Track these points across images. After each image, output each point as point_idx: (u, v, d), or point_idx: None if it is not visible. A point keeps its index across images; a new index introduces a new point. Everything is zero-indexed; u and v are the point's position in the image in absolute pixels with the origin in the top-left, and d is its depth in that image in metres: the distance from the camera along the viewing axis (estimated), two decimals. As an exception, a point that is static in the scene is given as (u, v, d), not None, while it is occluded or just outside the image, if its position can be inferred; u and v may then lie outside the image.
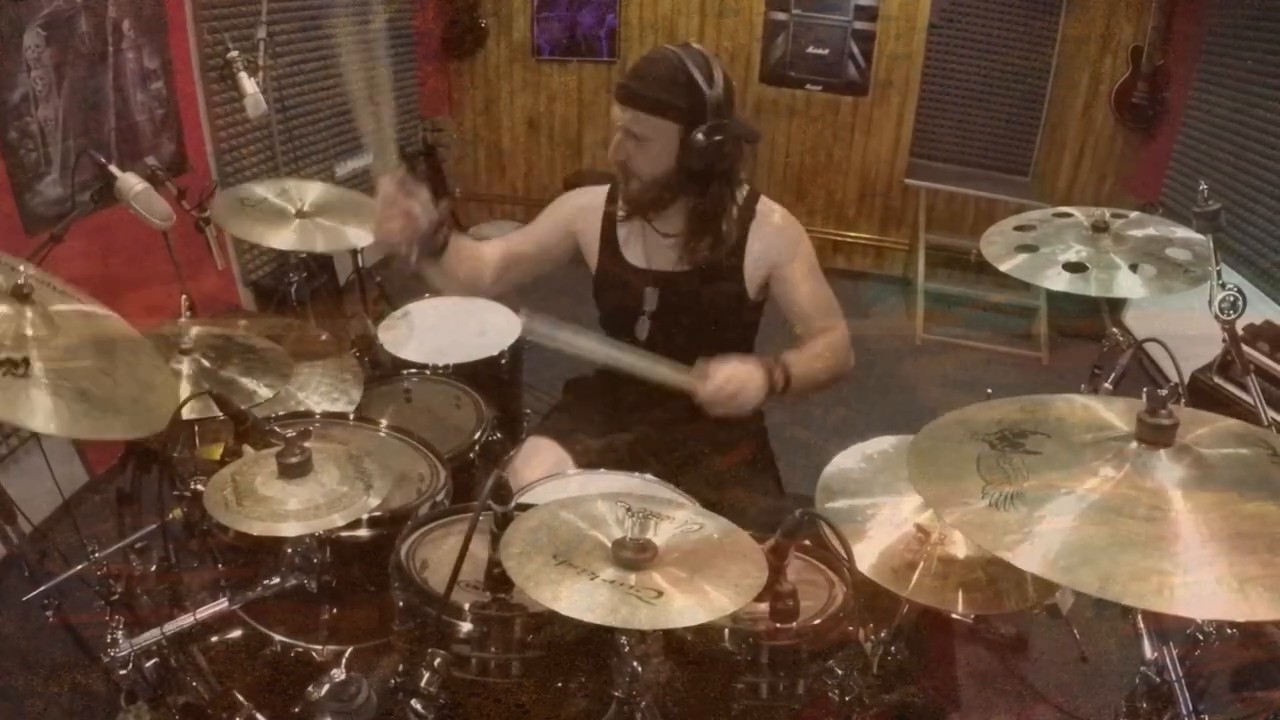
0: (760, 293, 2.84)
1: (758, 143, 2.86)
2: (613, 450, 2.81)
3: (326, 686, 1.69)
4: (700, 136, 2.57)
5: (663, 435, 2.84)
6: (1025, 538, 1.37)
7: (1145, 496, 1.41)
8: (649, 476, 2.51)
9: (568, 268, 3.04)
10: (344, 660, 1.74)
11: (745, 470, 2.85)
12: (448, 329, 3.54)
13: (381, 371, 3.25)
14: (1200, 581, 1.26)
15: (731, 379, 2.50)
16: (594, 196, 2.95)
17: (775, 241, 2.78)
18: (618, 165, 2.71)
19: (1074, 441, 1.58)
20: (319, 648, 2.24)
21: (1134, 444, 1.51)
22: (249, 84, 4.10)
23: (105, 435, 2.03)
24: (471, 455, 2.82)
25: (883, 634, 2.06)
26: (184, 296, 2.97)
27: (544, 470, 2.68)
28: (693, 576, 1.66)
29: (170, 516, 2.42)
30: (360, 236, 3.36)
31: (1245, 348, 2.94)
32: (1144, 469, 1.46)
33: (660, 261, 2.84)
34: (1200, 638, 1.96)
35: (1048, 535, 1.36)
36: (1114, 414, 1.65)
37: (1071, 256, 2.41)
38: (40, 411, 1.85)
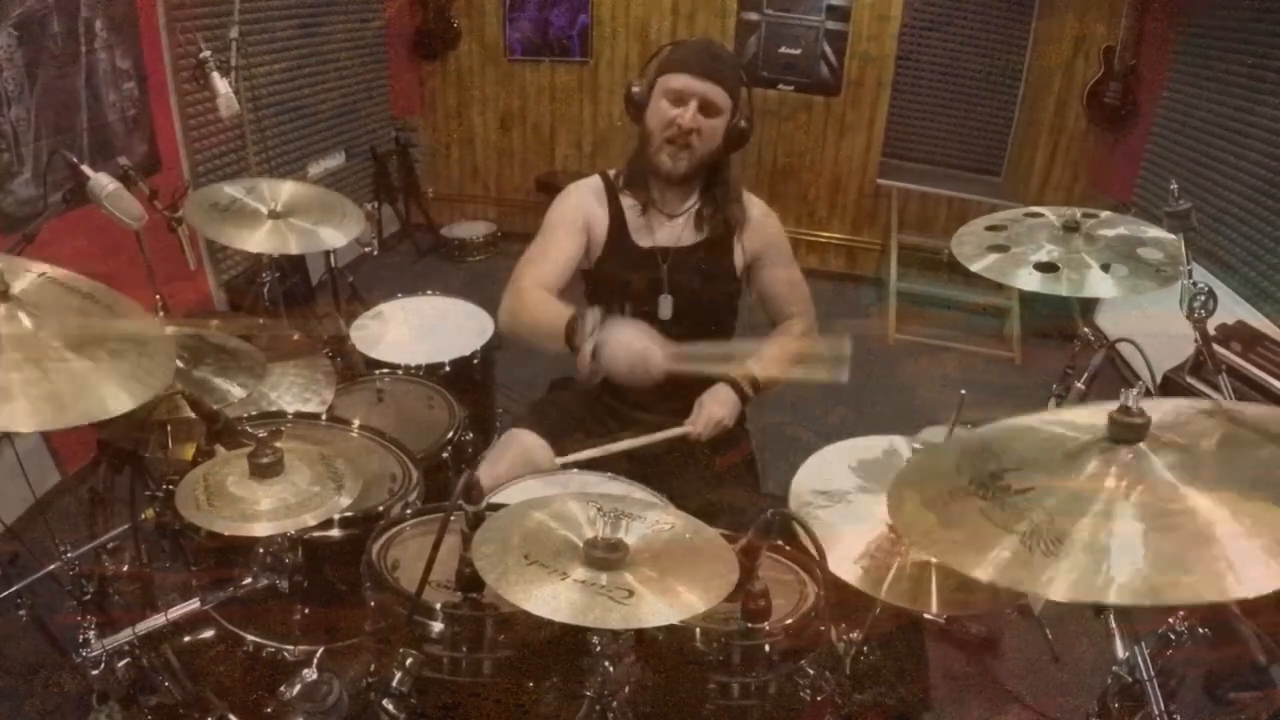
0: (744, 274, 3.02)
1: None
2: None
3: (298, 686, 1.69)
4: (746, 113, 2.87)
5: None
6: (1076, 568, 1.31)
7: (1155, 494, 1.39)
8: (620, 477, 2.52)
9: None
10: (316, 660, 1.74)
11: (730, 469, 2.88)
12: (420, 329, 3.54)
13: (354, 371, 3.24)
14: (1248, 558, 1.25)
15: (714, 413, 2.80)
16: (592, 188, 3.00)
17: (760, 228, 2.98)
18: (676, 139, 2.80)
19: (1050, 461, 1.54)
20: (291, 648, 2.23)
21: (1116, 447, 1.49)
22: (221, 84, 4.07)
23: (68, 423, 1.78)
24: (444, 455, 2.82)
25: (855, 634, 2.07)
26: (156, 297, 2.97)
27: (522, 461, 2.70)
28: (664, 576, 1.66)
29: (143, 517, 2.41)
30: (333, 237, 3.28)
31: (1217, 347, 2.95)
32: (1140, 469, 1.44)
33: (665, 239, 2.94)
34: (1172, 638, 1.96)
35: (1109, 555, 1.31)
36: (1066, 427, 1.61)
37: (1043, 256, 2.42)
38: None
